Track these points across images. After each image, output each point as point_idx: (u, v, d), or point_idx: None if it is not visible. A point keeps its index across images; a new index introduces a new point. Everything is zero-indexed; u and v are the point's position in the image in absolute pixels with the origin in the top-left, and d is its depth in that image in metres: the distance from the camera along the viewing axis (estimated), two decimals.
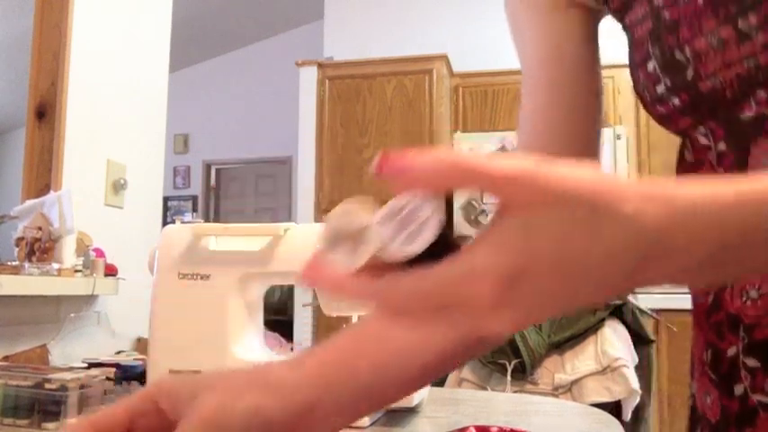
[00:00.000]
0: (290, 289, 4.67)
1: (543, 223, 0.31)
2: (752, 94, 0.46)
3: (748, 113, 0.47)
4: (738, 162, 0.49)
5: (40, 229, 1.59)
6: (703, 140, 0.52)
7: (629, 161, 3.62)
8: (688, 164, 0.55)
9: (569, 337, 1.92)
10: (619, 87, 3.59)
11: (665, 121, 0.54)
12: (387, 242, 0.33)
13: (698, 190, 0.32)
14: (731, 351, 0.49)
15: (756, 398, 0.47)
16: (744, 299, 0.47)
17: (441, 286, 0.33)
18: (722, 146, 0.50)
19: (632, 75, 0.56)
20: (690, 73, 0.49)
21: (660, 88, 0.52)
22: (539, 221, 0.31)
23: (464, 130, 4.02)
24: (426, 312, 0.35)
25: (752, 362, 0.47)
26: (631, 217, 0.30)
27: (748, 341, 0.47)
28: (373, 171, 0.33)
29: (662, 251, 0.31)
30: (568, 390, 1.88)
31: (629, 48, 0.56)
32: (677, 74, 0.50)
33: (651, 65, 0.52)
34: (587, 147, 0.64)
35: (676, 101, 0.51)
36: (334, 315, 0.93)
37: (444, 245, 0.33)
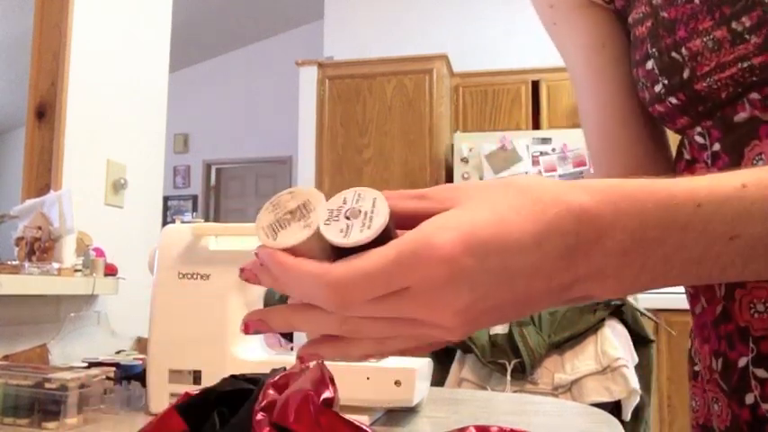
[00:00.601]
0: None
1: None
2: (746, 95, 0.47)
3: (742, 115, 0.48)
4: (732, 164, 0.49)
5: (39, 228, 1.59)
6: (699, 140, 0.52)
7: None
8: (685, 161, 0.55)
9: (569, 337, 1.92)
10: None
11: (664, 119, 0.55)
12: (339, 236, 0.33)
13: (633, 183, 0.35)
14: (742, 362, 0.49)
15: (766, 407, 0.47)
16: (752, 312, 0.48)
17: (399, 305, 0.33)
18: (717, 146, 0.50)
19: (633, 73, 0.56)
20: (686, 73, 0.49)
21: (658, 87, 0.52)
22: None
23: (464, 130, 4.02)
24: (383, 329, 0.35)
25: (761, 372, 0.48)
26: (558, 198, 0.33)
27: (757, 352, 0.48)
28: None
29: (590, 228, 0.33)
30: (568, 390, 1.88)
31: (632, 47, 0.57)
32: (674, 74, 0.50)
33: (650, 64, 0.53)
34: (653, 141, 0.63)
35: (674, 100, 0.51)
36: None
37: (387, 233, 0.33)
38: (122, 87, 2.01)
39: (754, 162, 0.47)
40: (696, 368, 0.58)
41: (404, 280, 0.32)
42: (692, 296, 0.57)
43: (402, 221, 0.35)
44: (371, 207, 0.33)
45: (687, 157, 0.55)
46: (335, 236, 0.33)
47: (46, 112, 1.79)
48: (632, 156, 0.62)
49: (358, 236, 0.33)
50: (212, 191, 6.47)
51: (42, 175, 1.78)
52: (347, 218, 0.33)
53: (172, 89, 2.28)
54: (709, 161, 0.52)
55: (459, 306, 0.32)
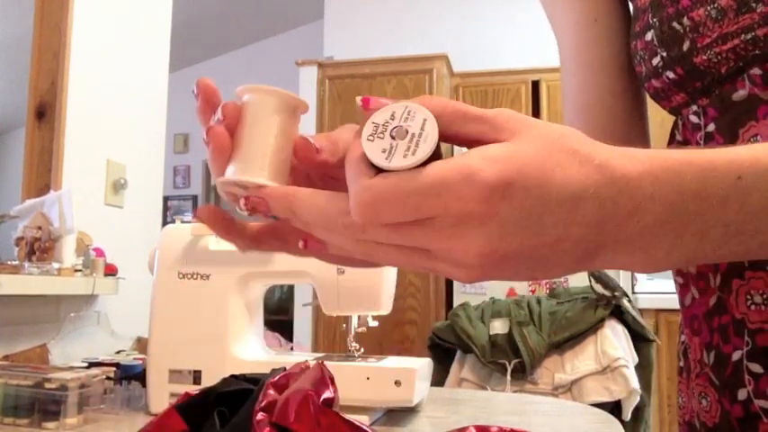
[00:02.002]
0: (290, 289, 4.67)
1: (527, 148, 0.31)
2: (746, 70, 0.46)
3: (741, 92, 0.47)
4: (725, 146, 0.48)
5: (39, 228, 1.59)
6: (694, 119, 0.51)
7: None
8: (677, 143, 0.55)
9: (569, 337, 1.92)
10: None
11: (659, 96, 0.54)
12: (381, 157, 0.31)
13: (676, 155, 0.34)
14: (736, 355, 0.48)
15: (759, 403, 0.47)
16: (748, 304, 0.47)
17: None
18: (711, 127, 0.49)
19: (631, 47, 0.56)
20: (686, 45, 0.48)
21: (656, 60, 0.51)
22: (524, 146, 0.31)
23: None
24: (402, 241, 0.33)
25: (755, 367, 0.47)
26: (605, 163, 0.32)
27: (752, 346, 0.47)
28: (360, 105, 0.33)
29: (629, 198, 0.32)
30: (568, 390, 1.88)
31: (633, 19, 0.56)
32: (674, 45, 0.49)
33: (650, 35, 0.52)
34: (630, 118, 0.63)
35: (671, 74, 0.50)
36: (335, 315, 0.93)
37: (435, 158, 0.31)
38: (122, 87, 2.01)
39: (750, 143, 0.46)
40: (681, 363, 0.57)
41: (435, 208, 0.30)
42: (682, 286, 0.55)
43: (452, 141, 0.33)
44: (420, 129, 0.31)
45: (679, 138, 0.54)
46: (377, 156, 0.31)
47: (46, 112, 1.79)
48: (608, 135, 0.61)
49: (401, 161, 0.31)
50: (212, 191, 6.47)
51: (42, 175, 1.78)
52: (392, 137, 0.31)
53: (172, 89, 2.28)
54: (702, 142, 0.50)
55: (483, 248, 0.31)
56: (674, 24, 0.49)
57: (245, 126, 0.37)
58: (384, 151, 0.31)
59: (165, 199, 5.82)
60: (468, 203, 0.30)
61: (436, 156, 0.31)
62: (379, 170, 0.31)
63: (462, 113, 0.33)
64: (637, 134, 0.63)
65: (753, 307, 0.47)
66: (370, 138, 0.32)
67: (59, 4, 1.82)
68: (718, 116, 0.49)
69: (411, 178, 0.30)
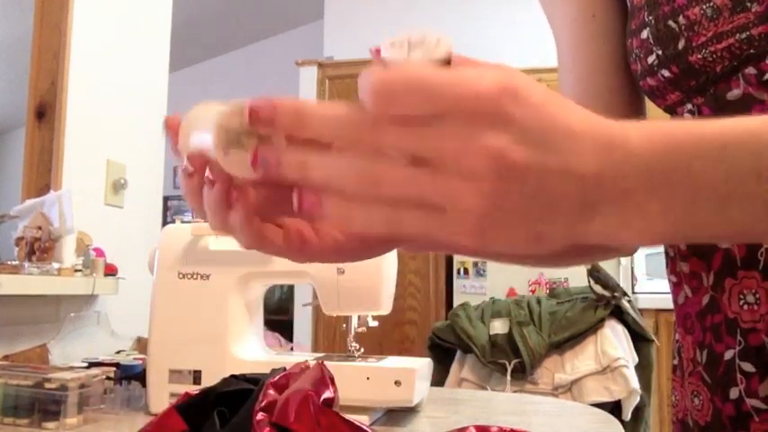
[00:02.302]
0: (290, 289, 4.67)
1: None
2: (741, 69, 0.46)
3: (736, 92, 0.47)
4: None
5: (39, 228, 1.59)
6: (689, 118, 0.52)
7: None
8: None
9: (569, 337, 1.92)
10: None
11: (654, 94, 0.54)
12: (401, 56, 0.32)
13: (659, 121, 0.34)
14: (728, 354, 0.48)
15: (751, 402, 0.47)
16: (741, 303, 0.47)
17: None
18: None
19: (627, 44, 0.56)
20: (681, 43, 0.48)
21: (651, 58, 0.51)
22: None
23: None
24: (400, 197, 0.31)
25: (748, 366, 0.47)
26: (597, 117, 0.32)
27: (745, 345, 0.47)
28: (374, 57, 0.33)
29: (623, 153, 0.32)
30: (568, 390, 1.88)
31: (629, 16, 0.56)
32: (669, 44, 0.49)
33: (645, 33, 0.52)
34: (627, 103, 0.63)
35: (666, 73, 0.50)
36: (335, 315, 0.93)
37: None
38: (122, 87, 2.01)
39: None
40: (675, 361, 0.57)
41: (449, 101, 0.30)
42: (675, 284, 0.55)
43: None
44: (435, 39, 0.32)
45: None
46: (396, 55, 0.32)
47: (46, 112, 1.79)
48: None
49: (419, 56, 0.32)
50: None
51: (42, 175, 1.78)
52: (410, 45, 0.33)
53: (172, 89, 2.28)
54: None
55: (495, 150, 0.30)
56: (670, 23, 0.49)
57: None
58: (402, 57, 0.32)
59: (165, 199, 5.81)
60: (481, 100, 0.30)
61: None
62: None
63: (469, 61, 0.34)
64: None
65: (745, 306, 0.47)
66: (387, 51, 0.33)
67: (59, 4, 1.82)
68: (713, 115, 0.49)
69: (428, 68, 0.30)
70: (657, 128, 0.33)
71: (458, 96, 0.30)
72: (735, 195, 0.32)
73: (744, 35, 0.45)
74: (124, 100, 2.02)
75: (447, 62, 0.32)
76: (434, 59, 0.31)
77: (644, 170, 0.32)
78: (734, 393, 0.48)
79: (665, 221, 0.32)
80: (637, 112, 0.63)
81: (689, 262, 0.53)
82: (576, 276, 3.12)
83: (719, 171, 0.32)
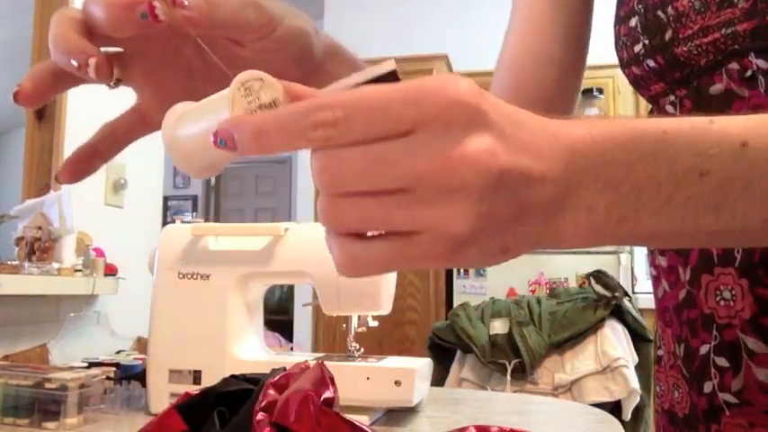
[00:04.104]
0: (290, 289, 4.67)
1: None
2: (725, 65, 0.46)
3: (718, 86, 0.47)
4: None
5: (39, 228, 1.59)
6: (670, 110, 0.52)
7: None
8: None
9: (569, 336, 1.92)
10: (619, 87, 3.59)
11: (638, 84, 0.54)
12: (339, 83, 0.30)
13: (595, 116, 0.33)
14: (703, 349, 0.49)
15: (723, 397, 0.47)
16: (717, 299, 0.47)
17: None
18: None
19: (615, 31, 0.56)
20: (668, 34, 0.49)
21: (638, 47, 0.52)
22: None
23: None
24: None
25: (722, 361, 0.47)
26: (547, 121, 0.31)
27: (720, 341, 0.47)
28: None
29: (567, 149, 0.31)
30: (568, 390, 1.88)
31: (617, 2, 0.56)
32: (656, 34, 0.50)
33: (634, 21, 0.52)
34: (562, 91, 0.63)
35: (651, 63, 0.51)
36: (335, 315, 0.93)
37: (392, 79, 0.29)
38: (122, 87, 2.01)
39: None
40: (660, 352, 0.57)
41: (408, 111, 0.27)
42: (655, 278, 0.56)
43: None
44: (379, 65, 0.30)
45: None
46: (337, 84, 0.30)
47: (46, 112, 1.79)
48: (530, 99, 0.61)
49: (357, 78, 0.29)
50: (212, 191, 6.47)
51: (42, 176, 1.79)
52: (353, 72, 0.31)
53: None
54: None
55: (480, 151, 0.27)
56: (659, 13, 0.49)
57: None
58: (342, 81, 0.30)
59: (165, 199, 5.81)
60: (448, 107, 0.27)
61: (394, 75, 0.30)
62: None
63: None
64: (559, 107, 0.63)
65: (722, 302, 0.47)
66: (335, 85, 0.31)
67: (59, 5, 1.82)
68: (694, 108, 0.49)
69: (375, 87, 0.28)
70: (598, 125, 0.32)
71: (421, 112, 0.27)
72: (678, 196, 0.32)
73: (729, 30, 0.45)
74: (124, 100, 2.02)
75: (393, 76, 0.29)
76: (375, 70, 0.29)
77: (590, 166, 0.31)
78: (708, 387, 0.49)
79: (610, 216, 0.32)
80: (567, 89, 0.64)
81: (666, 256, 0.53)
82: (576, 276, 3.12)
83: (661, 168, 0.32)
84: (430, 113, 0.27)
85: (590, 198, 0.31)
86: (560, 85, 0.62)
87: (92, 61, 0.34)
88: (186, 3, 0.33)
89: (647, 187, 0.32)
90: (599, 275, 2.02)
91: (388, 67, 0.29)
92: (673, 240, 0.37)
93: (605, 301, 1.98)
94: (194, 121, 0.34)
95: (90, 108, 1.88)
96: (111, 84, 0.37)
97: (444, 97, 0.27)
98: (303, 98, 0.31)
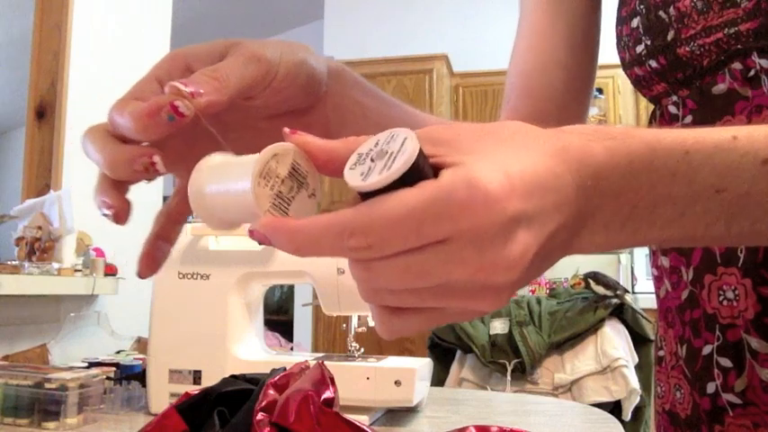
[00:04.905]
0: (290, 289, 4.67)
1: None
2: (728, 65, 0.46)
3: (721, 86, 0.47)
4: None
5: (39, 228, 1.59)
6: (673, 110, 0.52)
7: None
8: None
9: (569, 336, 1.92)
10: (619, 87, 3.59)
11: (640, 84, 0.54)
12: (359, 179, 0.28)
13: (618, 128, 0.33)
14: (706, 350, 0.49)
15: (726, 397, 0.47)
16: (720, 299, 0.47)
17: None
18: (689, 119, 0.50)
19: (617, 31, 0.56)
20: (671, 35, 0.49)
21: (640, 48, 0.52)
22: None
23: None
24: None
25: (725, 361, 0.47)
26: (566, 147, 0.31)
27: (723, 341, 0.47)
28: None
29: (590, 169, 0.31)
30: (568, 390, 1.88)
31: (619, 2, 0.56)
32: (658, 34, 0.50)
33: (636, 21, 0.52)
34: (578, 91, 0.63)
35: (654, 63, 0.51)
36: (335, 315, 0.93)
37: (419, 175, 0.28)
38: (122, 87, 2.00)
39: None
40: (660, 353, 0.57)
41: (441, 226, 0.27)
42: (657, 278, 0.56)
43: None
44: (399, 147, 0.28)
45: (656, 128, 0.55)
46: (355, 179, 0.28)
47: (46, 112, 1.79)
48: (544, 101, 0.61)
49: (376, 177, 0.27)
50: None
51: (42, 176, 1.78)
52: (372, 160, 0.28)
53: None
54: None
55: (514, 254, 0.28)
56: (661, 13, 0.49)
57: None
58: (362, 174, 0.28)
59: (165, 199, 5.81)
60: (479, 212, 0.27)
61: (422, 172, 0.28)
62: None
63: (428, 136, 0.30)
64: (574, 108, 0.63)
65: (725, 302, 0.47)
66: (352, 167, 0.29)
67: (59, 4, 1.82)
68: (697, 108, 0.49)
69: (398, 195, 0.27)
70: (620, 146, 0.32)
71: (451, 222, 0.27)
72: (693, 210, 0.32)
73: (732, 30, 0.45)
74: None
75: (417, 171, 0.28)
76: (397, 169, 0.27)
77: (610, 189, 0.31)
78: (711, 388, 0.48)
79: (623, 230, 0.32)
80: (581, 91, 0.63)
81: (669, 256, 0.53)
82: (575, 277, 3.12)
83: (679, 187, 0.32)
84: (463, 226, 0.27)
85: (608, 217, 0.32)
86: (570, 89, 0.62)
87: (157, 158, 0.36)
88: (201, 91, 0.34)
89: (663, 205, 0.32)
90: (597, 276, 2.02)
91: (409, 152, 0.27)
92: (680, 243, 0.37)
93: (608, 299, 1.98)
94: (219, 180, 0.34)
95: (90, 108, 1.88)
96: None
97: (475, 209, 0.27)
98: (318, 154, 0.31)
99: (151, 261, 0.40)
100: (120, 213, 0.38)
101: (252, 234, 0.30)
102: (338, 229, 0.28)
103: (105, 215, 0.38)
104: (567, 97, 0.62)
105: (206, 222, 0.36)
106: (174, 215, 0.42)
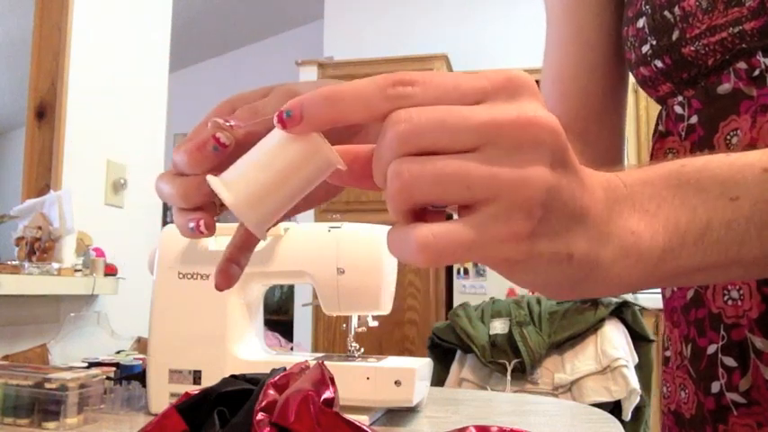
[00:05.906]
0: (290, 289, 4.67)
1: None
2: (732, 64, 0.46)
3: (726, 86, 0.47)
4: (706, 139, 0.49)
5: (39, 228, 1.59)
6: (678, 110, 0.52)
7: (627, 159, 3.63)
8: (659, 133, 0.55)
9: (569, 336, 1.92)
10: None
11: (646, 84, 0.54)
12: None
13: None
14: (711, 349, 0.49)
15: (731, 397, 0.47)
16: (725, 298, 0.47)
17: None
18: (694, 119, 0.50)
19: (623, 32, 0.56)
20: (675, 34, 0.49)
21: (645, 48, 0.52)
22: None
23: None
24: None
25: (729, 361, 0.47)
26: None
27: (727, 340, 0.47)
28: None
29: (618, 187, 0.32)
30: (568, 390, 1.88)
31: (626, 4, 0.56)
32: (663, 34, 0.50)
33: (641, 22, 0.52)
34: (610, 108, 0.63)
35: (659, 63, 0.51)
36: (335, 315, 0.93)
37: None
38: (122, 87, 2.01)
39: (728, 137, 0.46)
40: (667, 353, 0.57)
41: (479, 82, 0.28)
42: None
43: None
44: None
45: (661, 128, 0.55)
46: None
47: (46, 112, 1.79)
48: (580, 107, 0.62)
49: None
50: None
51: (42, 176, 1.78)
52: None
53: (172, 89, 2.28)
54: (683, 134, 0.51)
55: (548, 114, 0.28)
56: (666, 13, 0.49)
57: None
58: None
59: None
60: (512, 80, 0.28)
61: None
62: None
63: None
64: (611, 111, 0.63)
65: (730, 302, 0.47)
66: None
67: (59, 4, 1.82)
68: (702, 108, 0.49)
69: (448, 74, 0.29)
70: (632, 171, 0.33)
71: (497, 77, 0.29)
72: (716, 218, 0.32)
73: (736, 29, 0.45)
74: (124, 100, 2.02)
75: None
76: None
77: (629, 198, 0.32)
78: (715, 387, 0.49)
79: (653, 245, 0.32)
80: (616, 94, 0.64)
81: None
82: None
83: (691, 197, 0.32)
84: (498, 83, 0.28)
85: (634, 224, 0.31)
86: (606, 92, 0.63)
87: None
88: (241, 124, 0.37)
89: (683, 215, 0.32)
90: None
91: None
92: (720, 273, 0.35)
93: (608, 299, 1.98)
94: (240, 162, 0.36)
95: (90, 108, 1.88)
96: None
97: (505, 73, 0.29)
98: (360, 155, 0.33)
99: (226, 277, 0.43)
100: (209, 224, 0.41)
101: (281, 111, 0.31)
102: (382, 79, 0.29)
103: (193, 229, 0.42)
104: (605, 100, 0.63)
105: (251, 217, 0.37)
106: (240, 243, 0.44)
